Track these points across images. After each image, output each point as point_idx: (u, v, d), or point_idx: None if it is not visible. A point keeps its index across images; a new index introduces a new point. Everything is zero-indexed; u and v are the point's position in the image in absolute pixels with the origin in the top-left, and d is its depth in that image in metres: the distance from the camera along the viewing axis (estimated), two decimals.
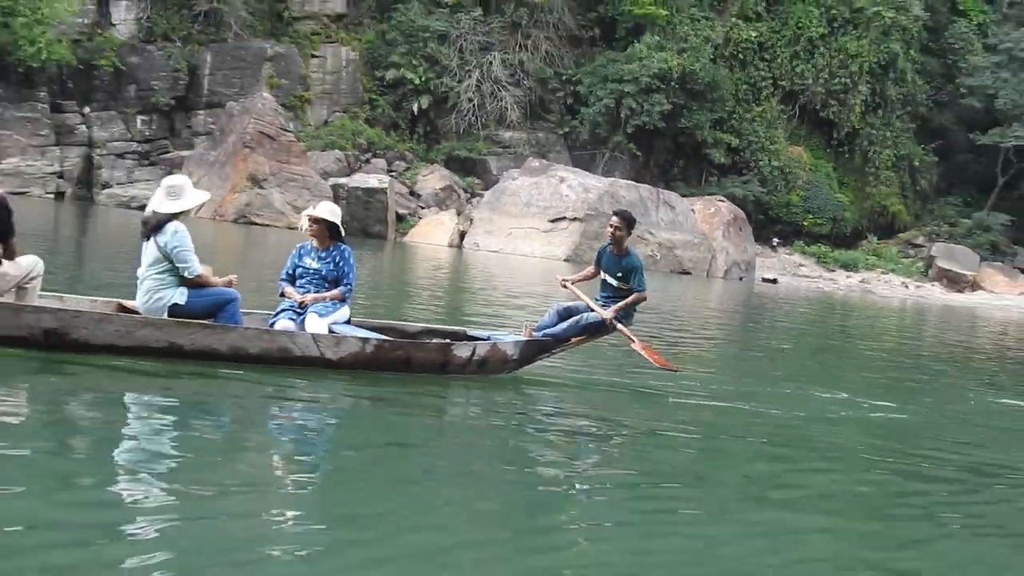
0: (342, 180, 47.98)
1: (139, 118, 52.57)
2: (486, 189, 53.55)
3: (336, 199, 44.26)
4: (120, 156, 51.30)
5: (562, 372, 11.16)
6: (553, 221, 46.73)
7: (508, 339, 10.33)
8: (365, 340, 9.36)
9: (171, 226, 8.88)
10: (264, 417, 7.66)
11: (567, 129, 60.44)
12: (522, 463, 7.31)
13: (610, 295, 10.46)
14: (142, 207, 46.17)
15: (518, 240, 46.38)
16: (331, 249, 9.99)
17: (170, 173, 54.55)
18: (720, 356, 16.76)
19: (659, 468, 7.59)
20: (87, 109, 51.59)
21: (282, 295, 9.90)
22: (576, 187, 47.74)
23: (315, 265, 9.91)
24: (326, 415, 8.03)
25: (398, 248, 42.48)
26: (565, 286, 10.64)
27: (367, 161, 53.80)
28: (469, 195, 54.18)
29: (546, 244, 46.04)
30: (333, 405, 8.37)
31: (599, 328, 10.36)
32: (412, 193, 52.63)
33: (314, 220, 9.90)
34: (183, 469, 5.92)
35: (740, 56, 63.15)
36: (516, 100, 58.44)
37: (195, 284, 9.03)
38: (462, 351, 9.86)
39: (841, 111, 63.67)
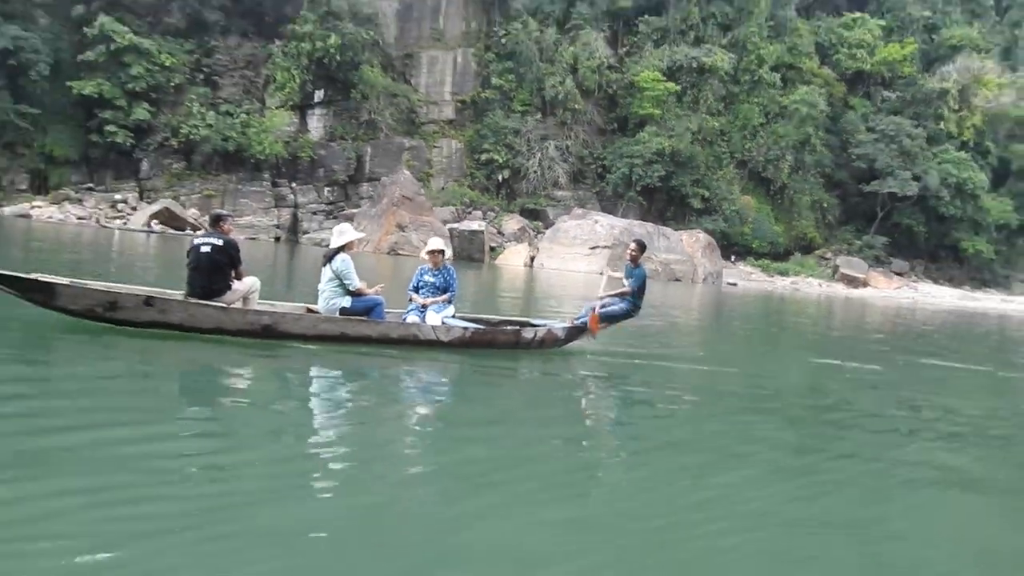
0: (455, 225, 47.13)
1: (326, 189, 52.25)
2: (547, 229, 52.48)
3: (451, 238, 43.82)
4: (314, 213, 51.09)
5: (592, 347, 9.91)
6: (591, 248, 46.37)
7: (558, 325, 9.52)
8: (465, 328, 8.70)
9: (340, 256, 8.30)
10: (406, 379, 6.98)
11: (598, 188, 59.76)
12: (571, 409, 6.45)
13: (630, 296, 9.54)
14: (326, 245, 47.00)
15: (569, 261, 45.76)
16: (442, 269, 9.31)
17: (339, 224, 55.30)
18: (704, 332, 15.41)
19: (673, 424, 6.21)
20: (294, 184, 51.65)
21: (410, 300, 9.18)
22: (605, 226, 47.08)
23: (431, 280, 9.23)
24: (444, 379, 7.29)
25: (491, 269, 40.92)
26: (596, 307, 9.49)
27: (469, 213, 52.82)
28: (535, 233, 53.35)
29: (587, 263, 45.16)
30: (448, 372, 7.60)
31: (624, 314, 9.47)
32: (499, 232, 51.78)
33: (432, 251, 9.23)
34: (355, 418, 5.30)
35: (708, 139, 62.19)
36: (564, 171, 57.92)
37: (355, 294, 8.38)
38: (528, 334, 9.16)
39: (775, 172, 62.63)
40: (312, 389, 6.15)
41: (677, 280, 48.21)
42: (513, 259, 47.48)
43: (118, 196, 45.20)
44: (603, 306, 9.34)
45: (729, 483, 4.76)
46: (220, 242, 7.81)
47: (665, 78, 58.62)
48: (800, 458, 5.49)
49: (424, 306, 9.07)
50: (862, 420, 6.94)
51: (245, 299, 8.15)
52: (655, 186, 58.00)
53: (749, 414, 6.80)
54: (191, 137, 46.47)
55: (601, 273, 10.22)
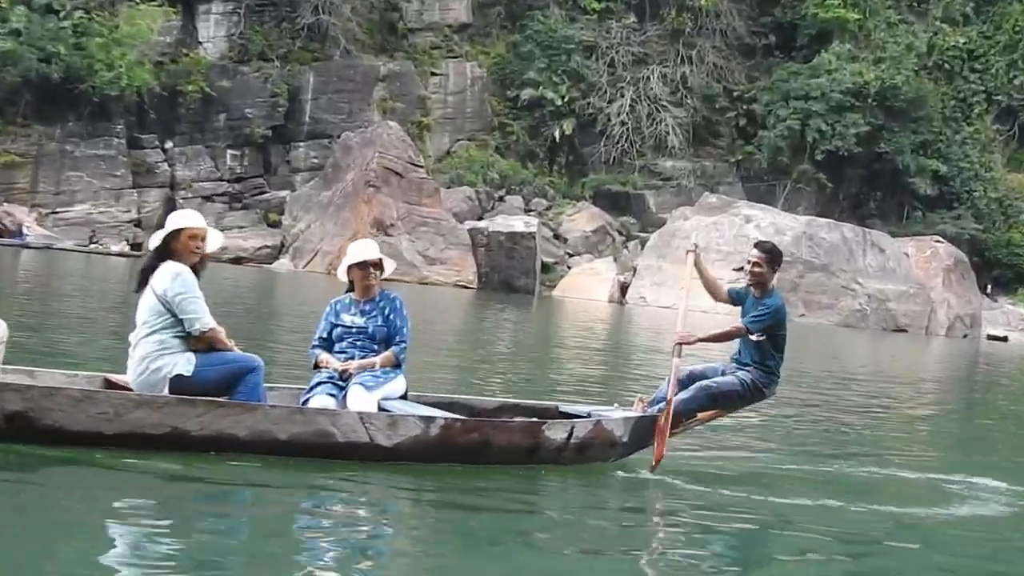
0: (481, 224, 48.11)
1: (229, 153, 52.65)
2: (643, 230, 53.66)
3: (474, 247, 45.08)
4: (208, 199, 50.96)
5: (691, 457, 10.62)
6: (738, 270, 44.51)
7: (615, 415, 9.94)
8: (429, 420, 9.09)
9: (169, 268, 8.57)
10: (295, 529, 7.23)
11: (740, 157, 60.50)
12: None
13: (748, 351, 10.10)
14: (237, 259, 48.16)
15: (695, 293, 44.26)
16: (377, 300, 9.76)
17: (266, 218, 54.77)
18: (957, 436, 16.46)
19: None
20: (169, 144, 51.81)
21: (316, 366, 9.68)
22: (766, 227, 47.09)
23: (358, 322, 9.71)
24: (378, 524, 7.67)
25: (547, 304, 42.56)
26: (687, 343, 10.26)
27: (501, 199, 53.85)
28: (625, 238, 54.02)
29: None
30: (387, 510, 8.05)
31: (739, 397, 10.14)
32: (557, 237, 52.44)
33: (357, 266, 9.64)
34: None
35: (947, 66, 62.47)
36: (678, 122, 58.57)
37: (205, 347, 8.73)
38: (556, 432, 9.50)
39: None
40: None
41: (900, 330, 48.85)
42: (588, 287, 47.78)
43: None
44: (689, 377, 10.09)
45: None
46: None
47: None
48: None
49: (345, 375, 9.45)
50: None
51: None
52: (848, 153, 57.77)
53: None
54: None
55: (684, 294, 10.66)
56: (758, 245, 10.42)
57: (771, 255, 10.21)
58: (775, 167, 58.62)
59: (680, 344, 9.91)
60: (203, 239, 8.74)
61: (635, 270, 48.66)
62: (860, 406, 18.01)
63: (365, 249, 9.85)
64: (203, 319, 8.68)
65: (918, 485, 10.65)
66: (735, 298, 10.35)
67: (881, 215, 59.53)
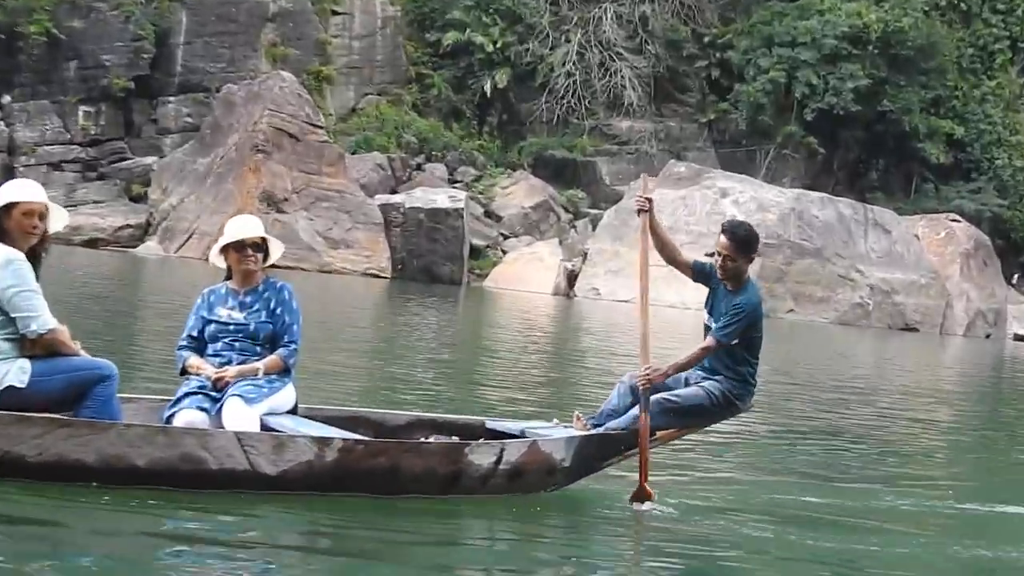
0: (395, 198, 48.06)
1: (82, 110, 52.33)
2: (595, 206, 53.91)
3: (387, 227, 44.99)
4: (55, 167, 50.81)
5: (667, 483, 10.82)
6: (712, 255, 44.92)
7: (556, 435, 10.11)
8: (324, 441, 9.09)
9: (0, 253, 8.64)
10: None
11: (713, 116, 60.78)
12: None
13: (716, 357, 10.21)
14: (92, 242, 48.23)
15: (660, 284, 44.13)
16: (260, 290, 9.84)
17: (128, 191, 54.34)
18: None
19: None
20: (7, 99, 51.50)
21: (184, 372, 9.71)
22: (746, 203, 47.67)
23: (237, 317, 9.77)
24: (258, 572, 7.57)
25: (477, 297, 42.95)
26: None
27: (419, 168, 53.76)
28: (572, 216, 54.13)
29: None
30: (269, 555, 7.86)
31: (706, 412, 10.30)
32: (489, 214, 52.50)
33: (233, 246, 9.70)
34: None
35: (963, 6, 62.68)
36: (637, 74, 58.78)
37: (44, 352, 8.74)
38: (482, 455, 9.61)
39: None
40: None
41: (910, 329, 49.40)
42: (528, 276, 48.00)
43: None
44: (663, 393, 10.14)
45: None
46: None
47: None
48: None
49: (220, 384, 9.39)
50: None
51: None
52: (845, 112, 58.10)
53: None
54: None
55: (642, 303, 10.68)
56: (727, 231, 10.32)
57: (743, 242, 10.18)
58: (755, 129, 58.72)
59: (646, 387, 9.80)
60: (42, 216, 8.65)
61: (585, 255, 48.56)
62: (867, 422, 18.20)
63: (245, 226, 9.85)
64: (41, 318, 8.64)
65: (946, 517, 10.84)
66: (699, 272, 10.36)
67: (885, 188, 59.79)
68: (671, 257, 10.44)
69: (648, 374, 9.85)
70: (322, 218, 45.49)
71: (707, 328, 10.37)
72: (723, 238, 10.19)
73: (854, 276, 47.29)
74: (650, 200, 10.26)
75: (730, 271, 10.14)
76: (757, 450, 14.20)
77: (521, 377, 20.39)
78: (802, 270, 46.88)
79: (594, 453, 10.18)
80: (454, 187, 50.66)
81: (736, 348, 10.13)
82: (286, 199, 45.25)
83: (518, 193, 53.02)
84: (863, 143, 60.40)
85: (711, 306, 10.32)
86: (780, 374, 23.86)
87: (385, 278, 45.10)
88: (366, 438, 9.59)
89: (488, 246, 49.99)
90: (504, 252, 49.91)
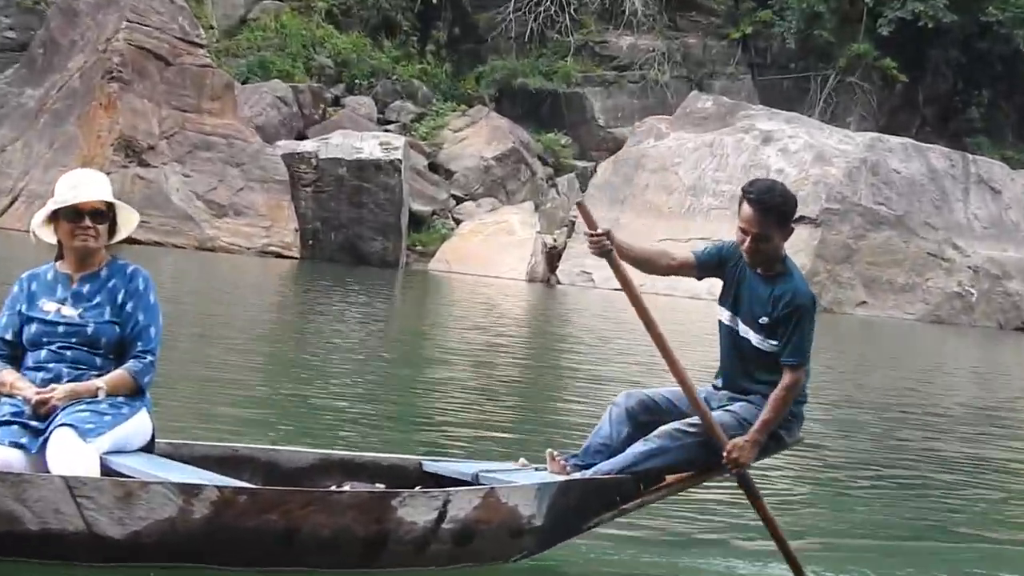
0: (305, 146, 48.59)
1: None
2: (583, 157, 55.32)
3: (294, 186, 45.70)
4: None
5: (711, 540, 11.45)
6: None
7: (522, 480, 10.23)
8: (192, 489, 8.99)
9: None
10: None
11: (749, 30, 61.60)
12: None
13: (744, 370, 10.42)
14: None
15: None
16: (103, 276, 9.84)
17: None
18: None
19: None
20: None
21: None
22: (799, 152, 48.88)
23: (69, 313, 9.71)
24: None
25: (419, 284, 44.28)
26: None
27: (338, 102, 54.82)
28: (553, 170, 55.02)
29: None
30: None
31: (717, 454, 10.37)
32: (435, 168, 53.30)
33: (74, 214, 9.57)
34: None
35: None
36: None
37: None
38: (417, 509, 9.61)
39: None
40: None
41: None
42: (490, 255, 48.85)
43: None
44: (644, 411, 10.52)
45: None
46: None
47: None
48: None
49: (43, 410, 9.40)
50: None
51: None
52: (936, 24, 58.83)
53: None
54: None
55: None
56: (752, 198, 10.25)
57: (777, 211, 10.20)
58: (809, 48, 59.84)
59: (742, 464, 9.91)
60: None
61: (572, 226, 48.97)
62: (982, 464, 18.43)
63: (81, 183, 9.68)
64: None
65: None
66: (705, 264, 10.46)
67: (991, 131, 60.85)
68: (664, 267, 10.56)
69: (732, 452, 9.85)
70: (202, 174, 45.64)
71: (728, 329, 10.46)
72: (748, 208, 10.12)
73: (950, 255, 48.00)
74: (607, 234, 9.82)
75: (762, 253, 10.09)
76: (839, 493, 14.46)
77: (477, 402, 20.59)
78: (878, 246, 47.40)
79: (577, 506, 10.14)
80: (386, 130, 51.17)
81: (772, 356, 10.13)
82: (151, 147, 45.33)
83: (476, 139, 53.75)
84: (960, 68, 61.22)
85: (732, 299, 10.35)
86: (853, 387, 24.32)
87: (291, 258, 45.45)
88: (252, 486, 9.41)
89: (435, 213, 50.81)
90: (457, 221, 50.64)
